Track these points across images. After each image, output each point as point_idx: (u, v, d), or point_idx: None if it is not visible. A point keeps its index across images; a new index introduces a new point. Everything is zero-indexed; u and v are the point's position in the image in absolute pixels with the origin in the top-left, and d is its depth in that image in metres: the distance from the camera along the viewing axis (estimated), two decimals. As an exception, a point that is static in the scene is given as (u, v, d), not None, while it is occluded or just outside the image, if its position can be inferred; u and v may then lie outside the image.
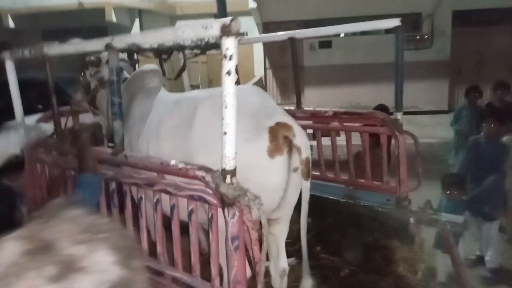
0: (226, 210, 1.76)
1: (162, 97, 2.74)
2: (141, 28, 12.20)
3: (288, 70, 11.29)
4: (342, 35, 11.54)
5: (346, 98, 10.69)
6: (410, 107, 9.24)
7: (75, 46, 2.43)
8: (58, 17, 11.51)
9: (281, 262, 2.46)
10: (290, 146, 2.16)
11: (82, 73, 3.21)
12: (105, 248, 0.61)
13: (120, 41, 2.10)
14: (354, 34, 11.45)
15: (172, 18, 14.33)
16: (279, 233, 2.44)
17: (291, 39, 3.39)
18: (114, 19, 10.88)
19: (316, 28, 3.57)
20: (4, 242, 0.58)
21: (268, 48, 11.56)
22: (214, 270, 1.94)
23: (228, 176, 1.76)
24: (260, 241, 1.78)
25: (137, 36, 2.01)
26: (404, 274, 2.94)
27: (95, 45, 2.29)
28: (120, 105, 2.25)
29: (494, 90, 6.15)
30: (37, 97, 10.06)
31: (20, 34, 11.51)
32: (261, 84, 11.09)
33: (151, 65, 3.12)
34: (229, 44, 1.65)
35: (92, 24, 11.32)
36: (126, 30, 11.75)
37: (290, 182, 2.20)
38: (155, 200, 2.15)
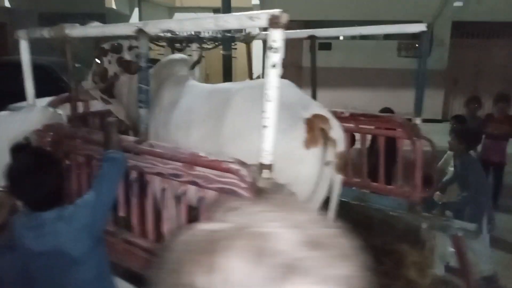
0: (261, 205, 1.73)
1: (193, 86, 2.72)
2: (140, 17, 12.06)
3: (288, 69, 11.29)
4: (341, 38, 11.59)
5: (342, 100, 10.69)
6: (405, 114, 9.31)
7: (100, 29, 2.36)
8: (55, 1, 11.32)
9: None
10: (325, 139, 2.14)
11: (98, 60, 3.10)
12: None
13: (153, 27, 2.04)
14: (353, 37, 11.50)
15: (170, 9, 14.23)
16: None
17: (311, 37, 3.37)
18: (114, 6, 10.72)
19: (338, 28, 3.55)
20: (270, 222, 0.49)
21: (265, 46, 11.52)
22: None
23: (266, 171, 1.73)
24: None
25: (173, 22, 1.96)
26: (414, 278, 2.94)
27: (124, 29, 2.23)
28: (148, 93, 2.20)
29: (495, 101, 6.24)
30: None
31: (16, 15, 11.27)
32: (259, 81, 11.04)
33: (180, 54, 3.10)
34: (277, 36, 1.63)
35: (90, 10, 11.16)
36: (125, 18, 11.62)
37: (322, 176, 2.19)
38: (180, 191, 2.11)
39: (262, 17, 1.62)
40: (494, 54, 10.76)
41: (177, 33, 2.16)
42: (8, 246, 1.88)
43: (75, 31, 2.49)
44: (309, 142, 2.09)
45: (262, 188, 1.72)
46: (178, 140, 2.39)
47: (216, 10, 13.95)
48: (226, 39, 3.62)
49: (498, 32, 10.76)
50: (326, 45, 11.26)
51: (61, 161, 2.06)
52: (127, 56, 3.09)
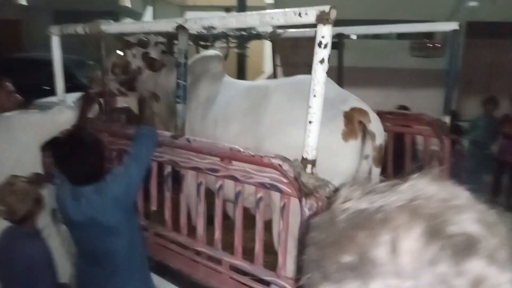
0: (304, 200, 1.75)
1: (230, 82, 2.78)
2: (154, 15, 12.10)
3: (299, 68, 11.29)
4: (354, 37, 11.56)
5: (355, 100, 10.72)
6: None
7: (139, 25, 2.39)
8: (70, -1, 11.40)
9: None
10: (364, 132, 2.16)
11: (121, 52, 3.12)
12: None
13: (194, 23, 2.07)
14: (366, 36, 11.46)
15: (182, 8, 14.24)
16: None
17: (339, 36, 3.37)
18: (128, 4, 10.76)
19: (367, 26, 3.55)
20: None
21: (279, 45, 11.53)
22: (281, 259, 1.93)
23: (309, 166, 1.75)
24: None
25: (215, 18, 1.97)
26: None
27: (163, 26, 2.26)
28: (186, 88, 2.23)
29: None
30: (42, 77, 9.98)
31: (31, 12, 11.35)
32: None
33: (213, 51, 3.13)
34: (325, 32, 1.64)
35: (105, 8, 11.21)
36: (138, 16, 11.64)
37: (360, 169, 2.21)
38: (217, 186, 2.13)
39: (310, 13, 1.64)
40: (508, 54, 10.69)
41: (216, 30, 2.17)
42: (35, 233, 2.15)
43: (112, 27, 2.52)
44: (348, 135, 2.11)
45: (305, 183, 1.73)
46: (217, 135, 2.42)
47: (228, 9, 13.96)
48: (252, 37, 3.63)
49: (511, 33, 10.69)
50: (335, 44, 11.17)
51: (103, 142, 2.16)
52: (152, 51, 3.12)
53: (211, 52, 3.14)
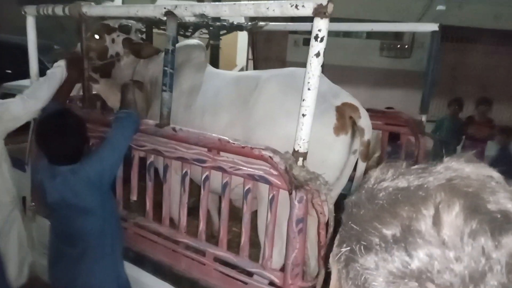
0: (294, 192, 1.76)
1: (215, 72, 2.76)
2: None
3: (271, 62, 11.31)
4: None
5: (325, 97, 10.86)
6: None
7: (124, 9, 2.31)
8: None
9: None
10: (354, 127, 2.19)
11: (97, 36, 2.96)
12: None
13: (185, 10, 2.02)
14: (337, 35, 11.62)
15: (153, -5, 13.94)
16: None
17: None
18: (97, -12, 10.41)
19: (349, 24, 3.59)
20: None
21: (253, 38, 11.51)
22: (268, 252, 1.93)
23: (301, 159, 1.76)
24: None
25: (208, 5, 1.94)
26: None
27: (151, 11, 2.19)
28: (172, 76, 2.18)
29: (477, 104, 6.48)
30: (6, 60, 9.53)
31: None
32: (242, 74, 11.04)
33: (195, 40, 3.07)
34: (322, 26, 1.65)
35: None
36: None
37: (347, 163, 2.25)
38: (203, 176, 2.11)
39: (307, 5, 1.64)
40: (472, 58, 11.12)
41: (208, 17, 2.13)
42: None
43: (94, 10, 2.43)
44: (339, 129, 2.14)
45: (296, 175, 1.74)
46: (204, 124, 2.39)
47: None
48: (234, 28, 3.60)
49: (477, 38, 11.13)
50: (310, 40, 11.31)
51: (85, 123, 2.12)
52: (134, 38, 3.04)
53: (193, 41, 3.08)
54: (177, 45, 2.99)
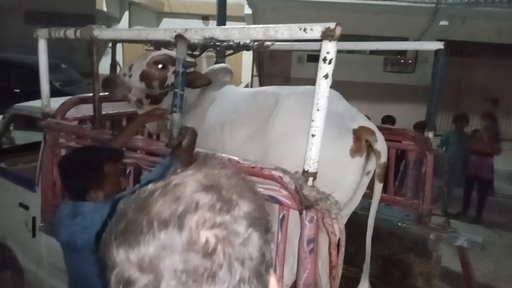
0: (304, 212, 1.77)
1: (235, 89, 2.90)
2: (130, 21, 11.97)
3: (275, 79, 11.42)
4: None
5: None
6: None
7: (135, 33, 2.37)
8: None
9: None
10: (368, 150, 2.25)
11: (161, 66, 2.90)
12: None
13: (195, 33, 2.07)
14: (340, 51, 11.71)
15: (158, 15, 14.19)
16: None
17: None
18: (104, 8, 10.61)
19: (355, 42, 3.64)
20: (185, 177, 0.66)
21: (257, 56, 11.65)
22: (279, 272, 1.93)
23: (311, 179, 1.78)
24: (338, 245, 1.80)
25: (218, 29, 1.98)
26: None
27: (162, 34, 2.25)
28: (182, 98, 2.22)
29: (482, 119, 6.49)
30: (13, 79, 9.67)
31: (2, 12, 11.00)
32: (247, 90, 11.14)
33: (223, 64, 3.24)
34: (330, 48, 1.68)
35: (80, 11, 11.02)
36: (115, 21, 11.52)
37: (361, 184, 2.30)
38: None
39: (315, 29, 1.67)
40: (475, 72, 11.17)
41: (221, 40, 2.18)
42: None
43: (105, 33, 2.48)
44: (355, 152, 2.19)
45: (307, 195, 1.76)
46: (224, 138, 2.47)
47: (204, 17, 14.00)
48: (241, 48, 3.65)
49: (480, 52, 11.20)
50: (315, 57, 11.36)
51: (114, 160, 1.98)
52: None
53: (220, 65, 3.22)
54: (206, 69, 3.13)
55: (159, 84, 2.89)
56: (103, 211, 1.71)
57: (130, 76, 2.90)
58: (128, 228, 0.61)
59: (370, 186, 2.87)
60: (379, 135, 2.28)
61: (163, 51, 2.96)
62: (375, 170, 2.35)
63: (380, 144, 2.26)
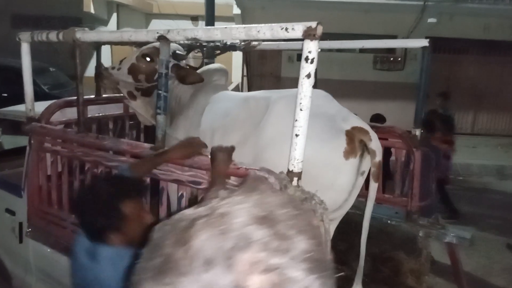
0: (289, 212, 1.76)
1: (228, 93, 2.85)
2: (118, 23, 11.90)
3: (265, 79, 11.41)
4: (319, 49, 11.79)
5: (320, 111, 10.91)
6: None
7: (117, 34, 2.34)
8: (30, 2, 11.01)
9: None
10: (363, 150, 2.25)
11: (149, 58, 2.90)
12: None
13: (177, 34, 2.05)
14: (330, 50, 11.75)
15: (147, 16, 14.12)
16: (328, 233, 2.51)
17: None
18: (92, 10, 10.53)
19: (340, 41, 3.64)
20: (234, 205, 0.57)
21: (245, 55, 11.62)
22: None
23: (295, 179, 1.77)
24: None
25: (200, 30, 1.96)
26: (412, 286, 3.03)
27: (144, 36, 2.22)
28: (166, 99, 2.20)
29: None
30: (0, 83, 9.57)
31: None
32: (238, 90, 11.12)
33: (218, 64, 3.17)
34: (312, 48, 1.67)
35: (67, 13, 10.93)
36: (103, 23, 11.45)
37: (356, 185, 2.30)
38: (200, 198, 2.11)
39: (297, 28, 1.66)
40: (464, 69, 11.25)
41: (203, 40, 2.17)
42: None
43: (87, 35, 2.45)
44: (348, 153, 2.19)
45: (291, 195, 1.75)
46: (214, 143, 2.42)
47: (194, 18, 13.96)
48: (227, 48, 3.63)
49: (468, 49, 11.27)
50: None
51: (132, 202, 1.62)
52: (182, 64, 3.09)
53: (215, 65, 3.17)
54: (201, 69, 3.10)
55: (145, 77, 2.89)
56: (123, 259, 1.46)
57: (119, 69, 2.94)
58: (166, 266, 0.52)
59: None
60: (373, 134, 2.28)
61: (153, 44, 2.90)
62: (370, 169, 2.35)
63: (375, 143, 2.25)
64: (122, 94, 3.15)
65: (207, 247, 0.51)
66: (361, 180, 2.32)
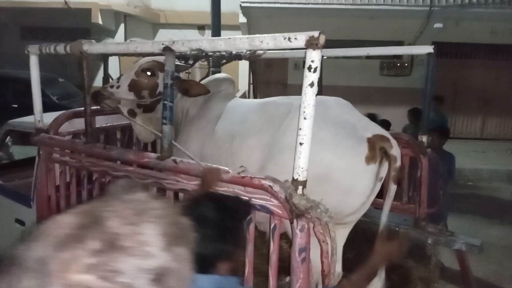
0: (295, 221, 1.76)
1: (241, 100, 2.91)
2: (126, 33, 12.02)
3: (272, 86, 11.44)
4: (324, 56, 11.82)
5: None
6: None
7: (124, 46, 2.37)
8: (39, 15, 11.17)
9: (337, 266, 2.48)
10: (381, 157, 2.31)
11: (149, 73, 2.87)
12: (152, 232, 0.65)
13: (182, 45, 2.07)
14: (337, 56, 11.75)
15: (154, 26, 14.23)
16: (342, 237, 2.55)
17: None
18: (100, 21, 10.66)
19: (345, 49, 3.64)
20: (62, 215, 0.66)
21: (252, 64, 11.67)
22: (272, 282, 1.92)
23: (300, 187, 1.77)
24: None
25: (204, 41, 1.99)
26: (421, 293, 3.00)
27: (150, 47, 2.25)
28: (172, 109, 2.22)
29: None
30: (11, 95, 9.70)
31: (-2, 28, 11.07)
32: (245, 98, 11.15)
33: (224, 74, 3.23)
34: (315, 57, 1.68)
35: (76, 25, 11.08)
36: (111, 34, 11.57)
37: (374, 190, 2.36)
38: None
39: (300, 38, 1.68)
40: (471, 73, 11.19)
41: (208, 51, 2.19)
42: None
43: (94, 47, 2.49)
44: (370, 159, 2.25)
45: (296, 204, 1.75)
46: (233, 149, 2.51)
47: (200, 27, 14.05)
48: (233, 57, 3.66)
49: (475, 53, 11.22)
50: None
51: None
52: (182, 76, 3.12)
53: (222, 74, 3.23)
54: (207, 78, 3.14)
55: (149, 92, 2.88)
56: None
57: (118, 87, 2.89)
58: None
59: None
60: (393, 141, 2.35)
61: (151, 57, 2.91)
62: (389, 174, 2.42)
63: (395, 149, 2.33)
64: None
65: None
66: (379, 186, 2.39)
